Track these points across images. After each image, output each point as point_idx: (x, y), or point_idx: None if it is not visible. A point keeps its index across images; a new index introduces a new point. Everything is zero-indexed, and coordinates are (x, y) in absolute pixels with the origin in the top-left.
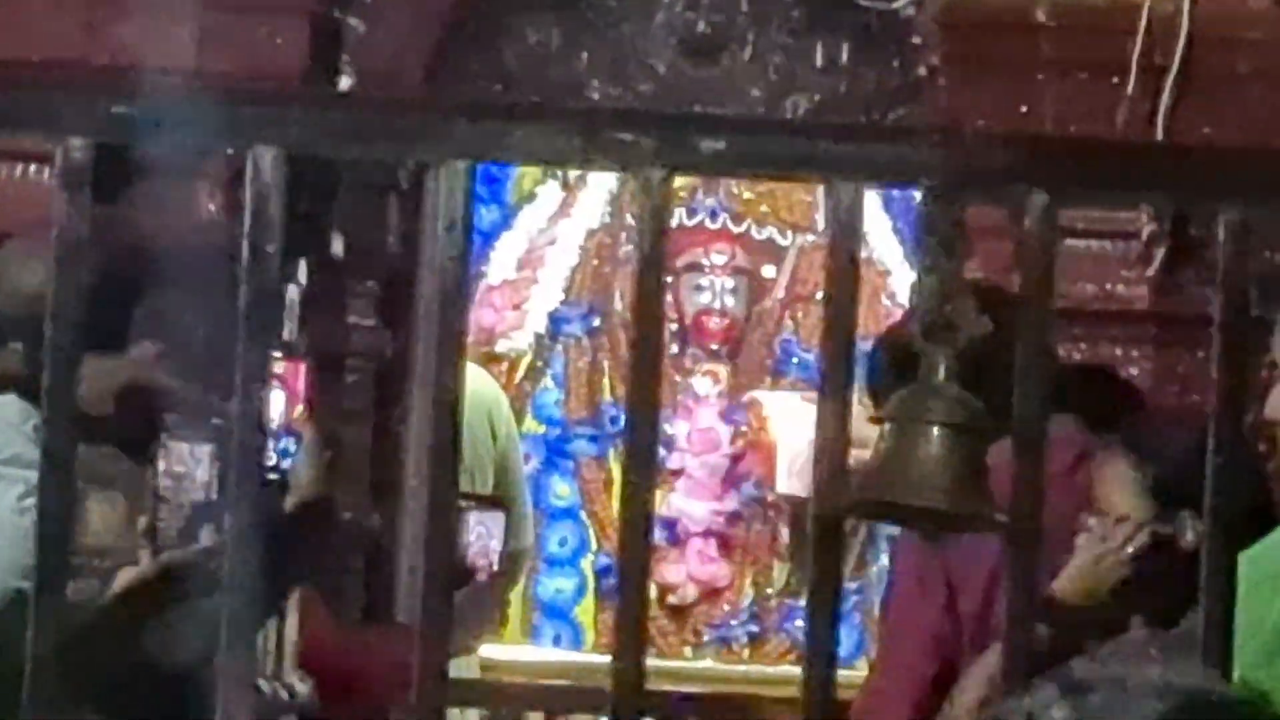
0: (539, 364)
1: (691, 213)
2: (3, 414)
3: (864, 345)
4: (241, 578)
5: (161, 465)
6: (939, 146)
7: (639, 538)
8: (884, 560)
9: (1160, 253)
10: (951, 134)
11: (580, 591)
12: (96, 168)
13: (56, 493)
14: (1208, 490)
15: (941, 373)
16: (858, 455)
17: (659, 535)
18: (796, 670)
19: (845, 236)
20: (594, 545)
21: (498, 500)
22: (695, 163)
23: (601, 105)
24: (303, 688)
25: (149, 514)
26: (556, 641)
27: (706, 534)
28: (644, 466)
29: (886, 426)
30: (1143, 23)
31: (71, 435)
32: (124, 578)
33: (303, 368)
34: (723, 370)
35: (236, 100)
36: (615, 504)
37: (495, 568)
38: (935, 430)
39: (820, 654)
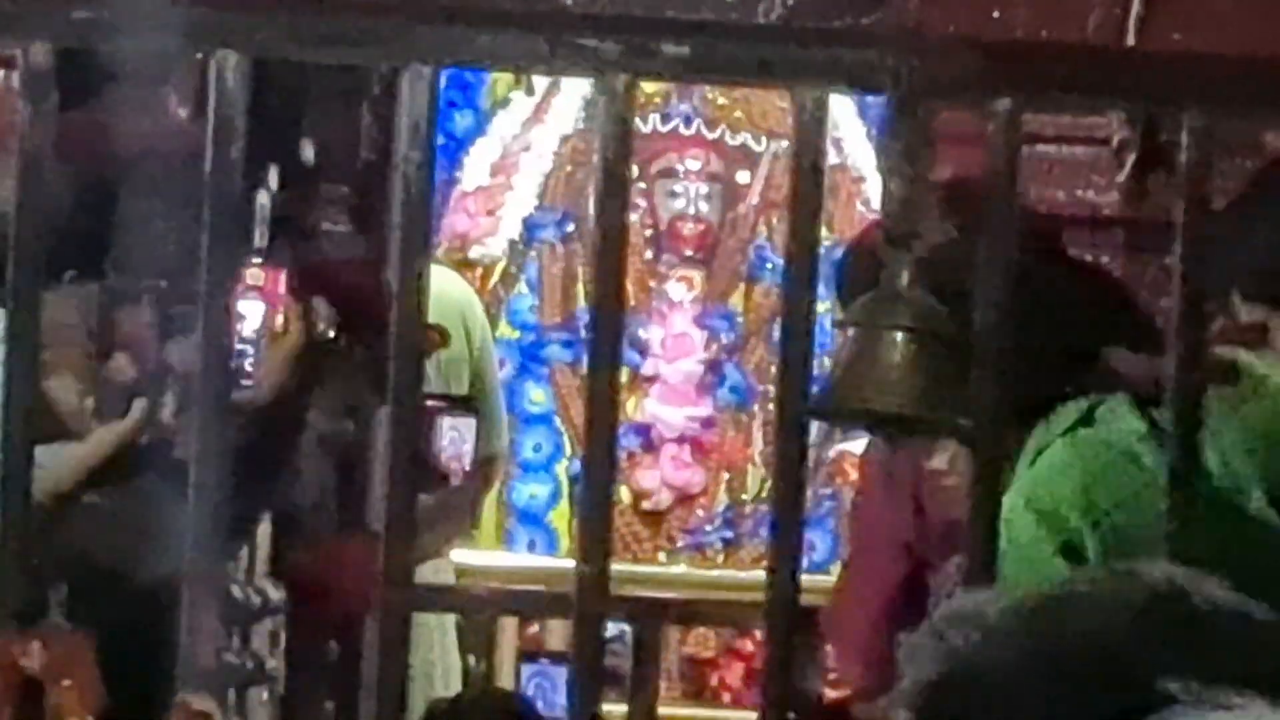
0: (513, 270)
1: (666, 118)
2: None
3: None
4: (208, 484)
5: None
6: (904, 51)
7: (604, 434)
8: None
9: (1130, 159)
10: (916, 38)
11: (554, 497)
12: (60, 73)
13: (21, 405)
14: (1170, 396)
15: (905, 278)
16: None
17: (634, 441)
18: None
19: (809, 142)
20: (568, 451)
21: (470, 402)
22: (659, 68)
23: (570, 10)
24: (276, 594)
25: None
26: (531, 547)
27: (681, 440)
28: (608, 369)
29: (850, 331)
30: None
31: (35, 354)
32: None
33: (282, 276)
34: (697, 276)
35: (201, 4)
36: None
37: (468, 471)
38: (899, 335)
39: (785, 554)
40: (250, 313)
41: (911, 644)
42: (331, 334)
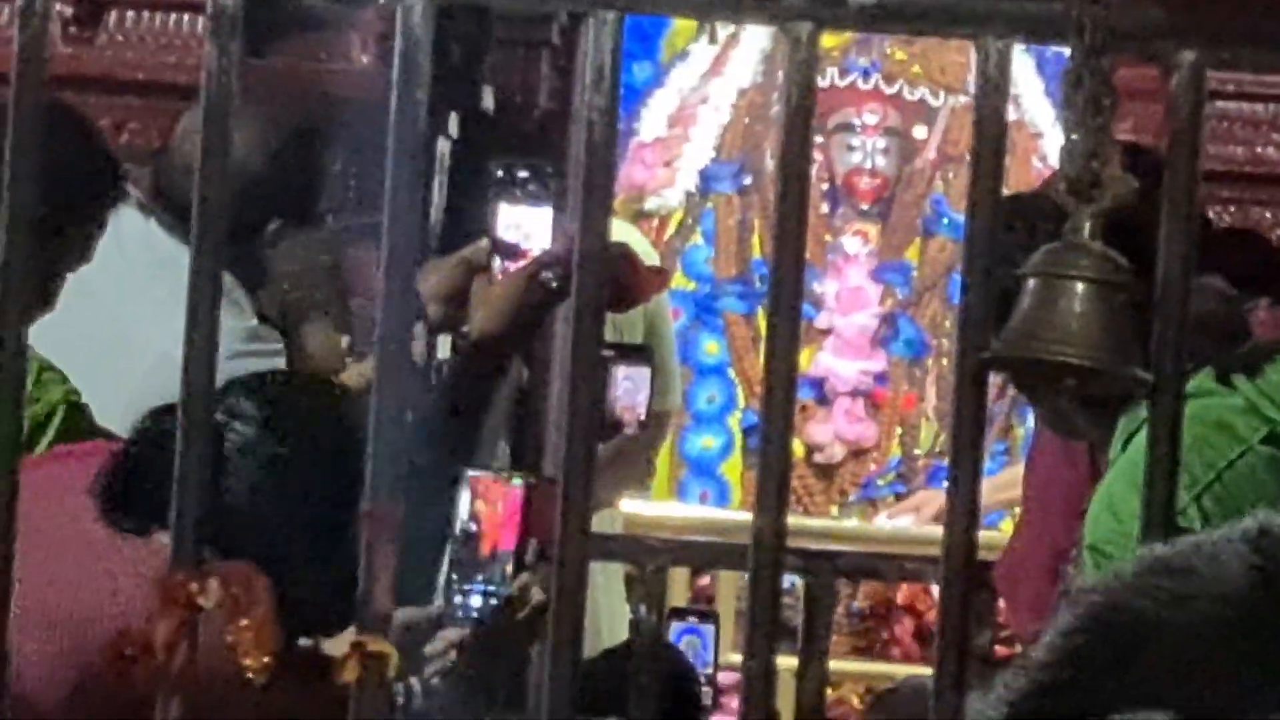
0: (689, 221)
1: (844, 72)
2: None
3: None
4: (389, 424)
5: None
6: (1089, 2)
7: (782, 386)
8: (1030, 422)
9: None
10: None
11: (727, 449)
12: (247, 18)
13: (204, 346)
14: None
15: (1086, 230)
16: None
17: (807, 394)
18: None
19: (992, 94)
20: (741, 403)
21: (645, 352)
22: (844, 18)
23: None
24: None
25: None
26: (703, 499)
27: (854, 393)
28: (788, 318)
29: (1030, 283)
30: None
31: (217, 299)
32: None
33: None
34: (873, 230)
35: None
36: (763, 361)
37: (642, 419)
38: (1081, 286)
39: (962, 506)
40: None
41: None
42: (554, 282)
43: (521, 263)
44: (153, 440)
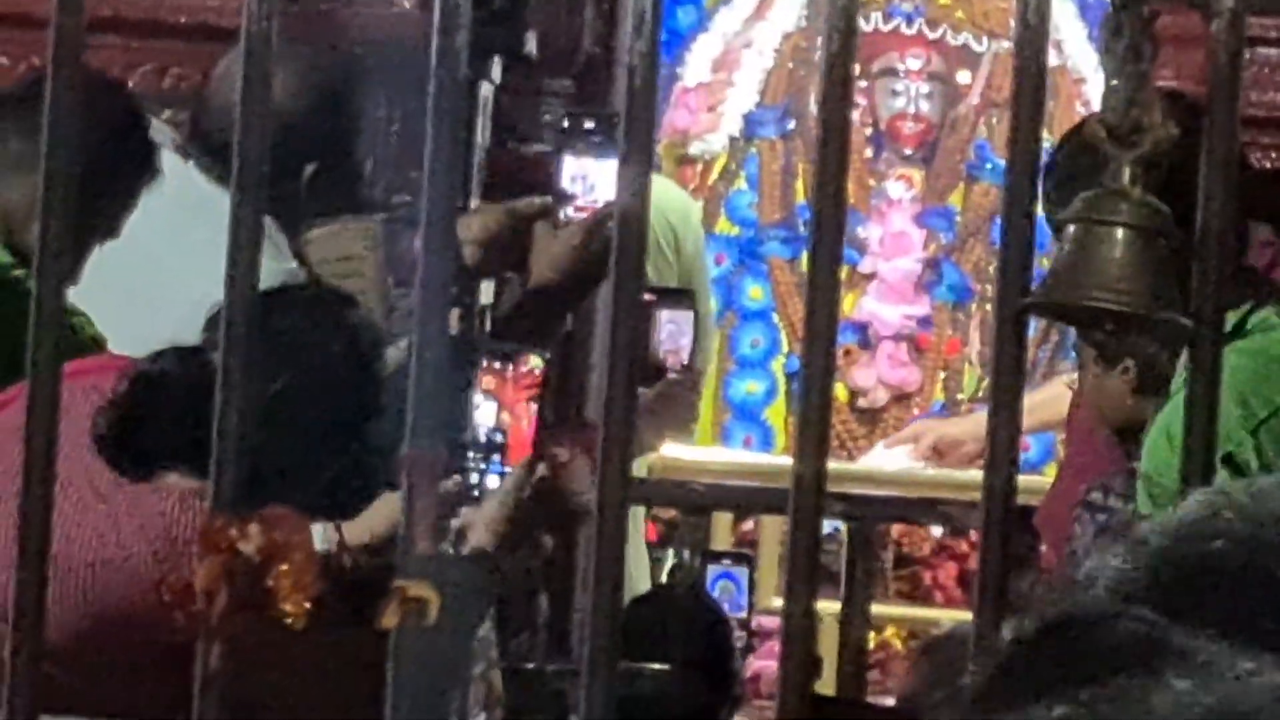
0: (733, 166)
1: (888, 17)
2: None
3: None
4: (430, 368)
5: None
6: None
7: (823, 330)
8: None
9: None
10: None
11: (770, 394)
12: None
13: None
14: None
15: (1126, 176)
16: None
17: (851, 338)
18: None
19: (1032, 39)
20: (785, 347)
21: (687, 295)
22: None
23: None
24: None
25: None
26: (747, 444)
27: (898, 338)
28: (829, 262)
29: (1070, 229)
30: None
31: (258, 241)
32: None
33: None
34: (916, 175)
35: None
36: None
37: (685, 363)
38: (1120, 233)
39: (1002, 451)
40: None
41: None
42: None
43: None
44: (151, 382)
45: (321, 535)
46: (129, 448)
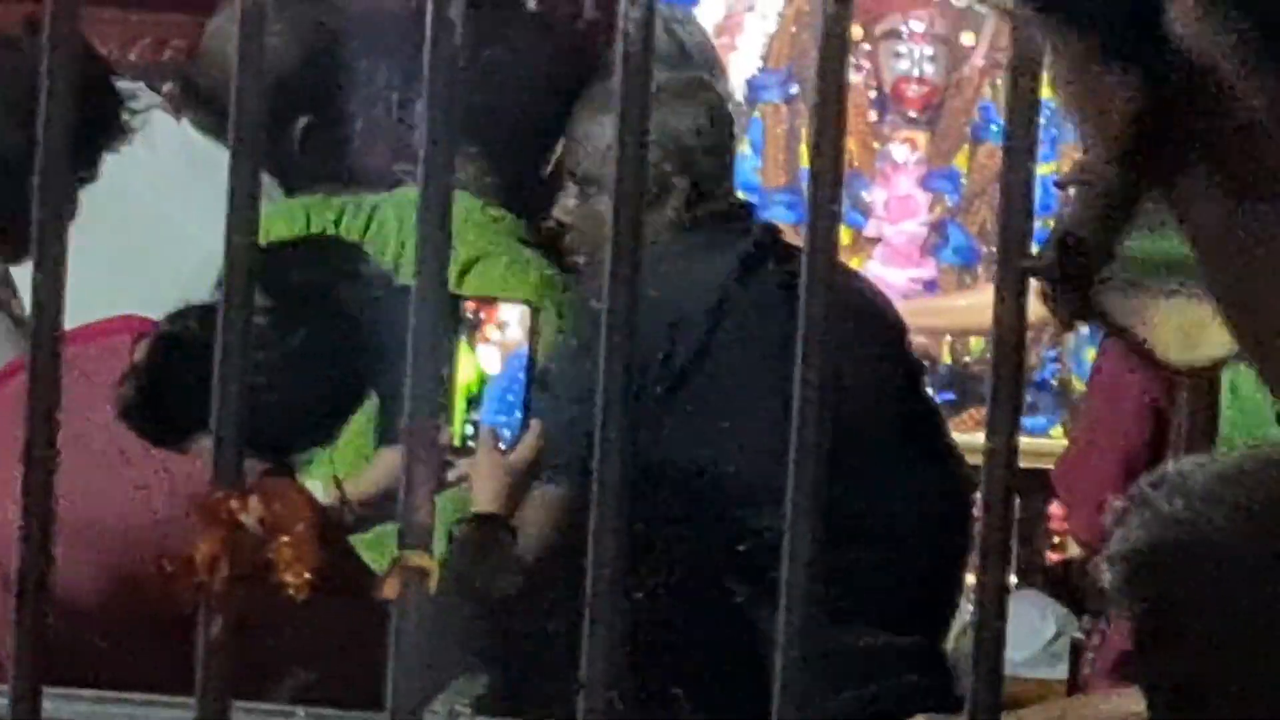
0: (736, 130)
1: None
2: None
3: None
4: (425, 338)
5: None
6: None
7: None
8: (1083, 329)
9: None
10: None
11: None
12: None
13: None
14: None
15: None
16: None
17: None
18: None
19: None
20: None
21: None
22: None
23: None
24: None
25: None
26: None
27: (904, 300)
28: (826, 227)
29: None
30: None
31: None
32: None
33: None
34: (921, 137)
35: None
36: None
37: None
38: None
39: (1004, 414)
40: None
41: (1118, 509)
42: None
43: None
44: (176, 342)
45: (323, 490)
46: (157, 415)
